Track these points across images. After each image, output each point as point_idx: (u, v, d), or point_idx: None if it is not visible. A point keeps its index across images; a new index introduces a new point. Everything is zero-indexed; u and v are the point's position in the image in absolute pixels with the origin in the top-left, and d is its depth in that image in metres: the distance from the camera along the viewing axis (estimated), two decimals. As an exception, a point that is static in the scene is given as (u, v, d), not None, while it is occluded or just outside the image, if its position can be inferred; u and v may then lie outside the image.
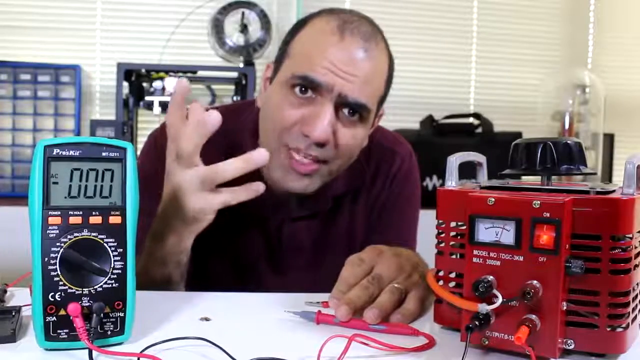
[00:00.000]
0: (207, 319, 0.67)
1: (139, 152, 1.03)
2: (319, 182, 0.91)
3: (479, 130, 2.18)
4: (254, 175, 0.86)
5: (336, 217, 1.02)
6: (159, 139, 0.97)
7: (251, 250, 0.99)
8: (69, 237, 0.53)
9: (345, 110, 0.87)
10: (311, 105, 0.86)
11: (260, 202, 0.91)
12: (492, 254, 0.55)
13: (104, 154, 0.55)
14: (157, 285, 0.82)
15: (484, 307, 0.54)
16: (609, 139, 2.38)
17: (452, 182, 0.65)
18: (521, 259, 0.53)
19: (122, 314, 0.56)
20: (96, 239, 0.54)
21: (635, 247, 0.54)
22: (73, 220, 0.54)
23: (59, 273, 0.53)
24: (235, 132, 0.98)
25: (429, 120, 2.17)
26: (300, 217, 0.99)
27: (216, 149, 0.96)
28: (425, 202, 1.11)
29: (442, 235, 0.62)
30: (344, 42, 0.85)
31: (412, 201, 1.10)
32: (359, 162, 0.98)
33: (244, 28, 2.01)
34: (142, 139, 2.04)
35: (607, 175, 2.36)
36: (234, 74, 2.04)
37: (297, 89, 0.86)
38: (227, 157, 0.93)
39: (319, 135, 0.84)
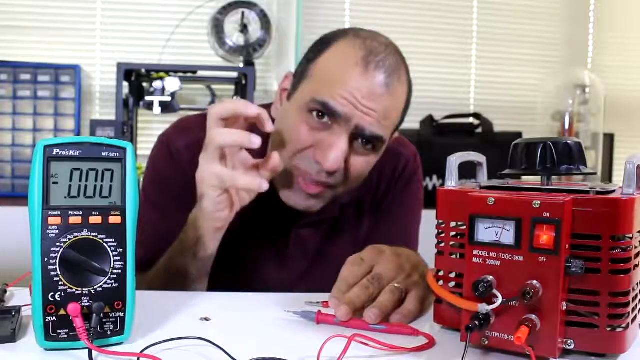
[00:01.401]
0: (207, 319, 0.67)
1: (139, 152, 1.03)
2: (323, 202, 0.92)
3: (479, 130, 2.18)
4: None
5: (343, 223, 1.03)
6: (172, 138, 0.99)
7: (258, 253, 0.99)
8: (68, 237, 0.53)
9: (360, 140, 0.87)
10: (327, 131, 0.85)
11: (268, 208, 0.93)
12: (492, 254, 0.55)
13: (104, 154, 0.55)
14: (174, 279, 0.84)
15: (484, 307, 0.54)
16: (609, 139, 2.38)
17: (452, 182, 0.65)
18: (521, 259, 0.53)
19: (122, 314, 0.56)
20: (96, 239, 0.54)
21: (635, 247, 0.54)
22: (73, 220, 0.54)
23: (59, 273, 0.53)
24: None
25: (429, 120, 2.17)
26: (308, 223, 1.00)
27: None
28: (425, 202, 1.11)
29: (442, 235, 0.62)
30: (367, 76, 0.84)
31: (416, 202, 1.10)
32: None
33: (244, 28, 2.01)
34: (142, 139, 2.05)
35: (607, 175, 2.36)
36: (234, 74, 2.04)
37: (314, 113, 0.86)
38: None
39: (330, 166, 0.84)
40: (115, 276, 0.55)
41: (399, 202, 1.07)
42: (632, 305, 0.54)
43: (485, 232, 0.55)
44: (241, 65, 2.03)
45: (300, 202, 0.90)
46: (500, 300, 0.53)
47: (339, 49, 0.87)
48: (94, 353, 0.52)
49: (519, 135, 2.15)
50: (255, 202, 0.85)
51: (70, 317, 0.52)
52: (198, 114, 1.07)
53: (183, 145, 0.96)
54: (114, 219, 0.55)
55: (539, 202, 0.52)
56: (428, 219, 0.70)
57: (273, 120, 0.82)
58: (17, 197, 1.89)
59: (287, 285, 0.96)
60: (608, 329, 0.53)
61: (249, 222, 0.90)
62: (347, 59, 0.85)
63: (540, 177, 0.61)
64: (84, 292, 0.54)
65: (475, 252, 0.56)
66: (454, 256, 0.62)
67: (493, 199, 0.55)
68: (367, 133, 0.85)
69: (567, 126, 2.24)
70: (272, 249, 1.00)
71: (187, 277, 0.85)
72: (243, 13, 2.00)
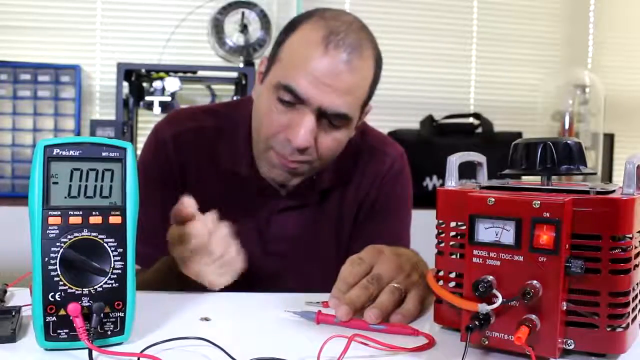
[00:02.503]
0: (207, 319, 0.67)
1: (139, 152, 1.05)
2: (302, 176, 0.97)
3: (479, 130, 2.18)
4: (248, 167, 0.97)
5: (324, 209, 1.05)
6: (160, 129, 1.04)
7: (242, 239, 1.00)
8: (69, 237, 0.53)
9: (327, 119, 0.91)
10: (295, 112, 0.90)
11: (251, 194, 0.98)
12: (492, 254, 0.55)
13: (104, 154, 0.55)
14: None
15: (484, 307, 0.54)
16: (609, 139, 2.38)
17: (452, 182, 0.65)
18: (521, 259, 0.53)
19: (122, 314, 0.56)
20: (96, 239, 0.54)
21: (635, 247, 0.54)
22: (73, 220, 0.54)
23: (59, 273, 0.53)
24: (235, 123, 1.03)
25: (429, 120, 2.17)
26: (289, 207, 1.03)
27: (215, 137, 0.99)
28: (426, 202, 1.11)
29: (442, 235, 0.62)
30: (326, 55, 0.87)
31: (404, 200, 1.11)
32: (346, 160, 1.03)
33: (244, 28, 2.01)
34: (142, 139, 2.04)
35: (607, 175, 2.36)
36: (234, 74, 2.04)
37: (282, 95, 0.90)
38: (224, 148, 1.01)
39: (300, 143, 0.89)
40: (115, 276, 0.55)
41: (386, 201, 1.08)
42: (632, 305, 0.54)
43: (485, 232, 0.55)
44: (241, 65, 2.03)
45: (279, 174, 0.96)
46: (500, 300, 0.53)
47: (304, 32, 0.91)
48: (94, 353, 0.52)
49: (519, 135, 2.15)
50: (237, 185, 0.92)
51: (70, 317, 0.52)
52: (190, 106, 1.11)
53: (169, 135, 1.02)
54: (114, 219, 0.55)
55: (539, 202, 0.52)
56: (428, 219, 0.70)
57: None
58: (17, 197, 1.89)
59: (270, 269, 0.99)
60: (608, 329, 0.53)
61: (230, 207, 0.90)
62: (309, 41, 0.89)
63: (540, 177, 0.61)
64: (84, 292, 0.54)
65: (475, 252, 0.56)
66: (454, 256, 0.62)
67: (493, 199, 0.55)
68: (330, 112, 0.89)
69: (567, 126, 2.24)
70: (255, 233, 1.02)
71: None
72: (243, 13, 2.01)
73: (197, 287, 0.82)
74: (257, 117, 0.96)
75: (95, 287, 0.54)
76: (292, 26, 0.94)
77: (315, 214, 1.04)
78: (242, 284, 0.80)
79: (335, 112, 0.89)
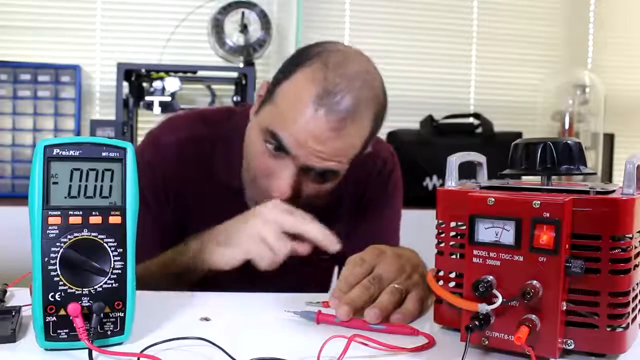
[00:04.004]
0: (207, 319, 0.67)
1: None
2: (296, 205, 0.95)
3: (479, 130, 2.17)
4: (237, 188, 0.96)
5: (321, 217, 1.03)
6: (159, 136, 1.03)
7: None
8: (69, 237, 0.53)
9: (312, 173, 0.88)
10: (279, 159, 0.88)
11: (245, 205, 0.96)
12: (492, 254, 0.55)
13: (104, 154, 0.55)
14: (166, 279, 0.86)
15: (484, 307, 0.54)
16: (609, 139, 2.37)
17: (452, 182, 0.65)
18: (521, 259, 0.53)
19: (122, 314, 0.56)
20: (96, 239, 0.54)
21: (635, 247, 0.54)
22: (73, 220, 0.54)
23: (59, 273, 0.53)
24: (230, 134, 1.01)
25: (429, 120, 2.17)
26: None
27: (211, 148, 0.99)
28: (426, 202, 1.12)
29: (442, 235, 0.62)
30: (316, 120, 0.83)
31: (395, 199, 1.12)
32: None
33: (244, 28, 2.00)
34: (142, 139, 2.04)
35: (607, 175, 2.36)
36: (234, 74, 2.04)
37: (269, 141, 0.88)
38: (219, 160, 1.00)
39: (278, 195, 0.87)
40: (115, 276, 0.55)
41: (377, 201, 1.08)
42: (632, 305, 0.54)
43: (485, 232, 0.55)
44: (241, 65, 2.02)
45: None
46: (500, 300, 0.53)
47: (300, 79, 0.86)
48: (94, 353, 0.52)
49: (519, 135, 2.15)
50: (230, 195, 0.92)
51: (70, 317, 0.52)
52: (185, 112, 1.10)
53: (170, 142, 1.00)
54: (114, 219, 0.55)
55: (539, 202, 0.52)
56: (428, 219, 0.70)
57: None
58: (17, 197, 1.89)
59: (268, 274, 0.97)
60: (608, 329, 0.53)
61: (226, 215, 0.90)
62: (302, 96, 0.84)
63: (540, 177, 0.61)
64: (84, 292, 0.54)
65: (475, 252, 0.56)
66: (454, 256, 0.62)
67: (493, 199, 0.55)
68: (316, 169, 0.87)
69: (567, 126, 2.24)
70: None
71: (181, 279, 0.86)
72: (243, 13, 2.00)
73: (191, 279, 0.82)
74: (247, 149, 0.94)
75: (95, 287, 0.54)
76: (295, 65, 0.88)
77: (314, 217, 1.04)
78: (243, 281, 0.80)
79: (323, 169, 0.87)
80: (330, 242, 0.79)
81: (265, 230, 0.79)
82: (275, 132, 0.86)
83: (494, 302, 0.53)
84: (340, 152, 0.86)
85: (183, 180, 0.99)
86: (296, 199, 0.89)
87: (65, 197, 0.54)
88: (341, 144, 0.85)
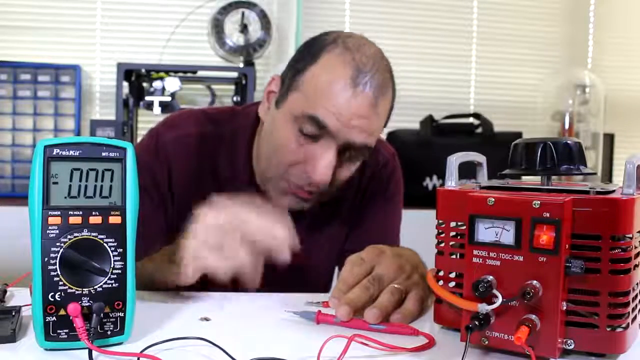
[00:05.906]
0: (207, 319, 0.67)
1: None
2: (312, 203, 0.95)
3: (479, 130, 2.17)
4: (247, 181, 0.95)
5: (322, 220, 1.04)
6: (160, 133, 1.01)
7: None
8: (69, 237, 0.53)
9: (349, 152, 0.90)
10: (316, 144, 0.88)
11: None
12: (492, 254, 0.55)
13: (104, 154, 0.55)
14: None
15: (483, 307, 0.54)
16: (609, 139, 2.37)
17: (452, 182, 0.65)
18: (521, 259, 0.53)
19: (122, 314, 0.56)
20: (96, 239, 0.54)
21: (635, 247, 0.54)
22: (73, 220, 0.54)
23: (59, 273, 0.53)
24: (234, 133, 1.00)
25: (429, 120, 2.17)
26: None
27: (215, 145, 0.99)
28: (426, 202, 1.12)
29: (442, 235, 0.62)
30: (356, 97, 0.86)
31: (396, 200, 1.12)
32: None
33: (244, 28, 2.00)
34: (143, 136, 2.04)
35: (607, 175, 2.36)
36: (234, 74, 2.04)
37: (305, 126, 0.87)
38: (223, 158, 0.98)
39: (319, 179, 0.87)
40: (115, 276, 0.55)
41: (378, 201, 1.08)
42: (632, 305, 0.54)
43: (485, 232, 0.55)
44: (241, 65, 2.02)
45: (292, 204, 0.93)
46: (500, 300, 0.53)
47: (328, 63, 0.88)
48: (94, 353, 0.52)
49: (519, 135, 2.15)
50: (234, 194, 0.86)
51: (70, 317, 0.52)
52: (186, 110, 1.10)
53: (169, 139, 0.99)
54: (114, 219, 0.55)
55: (539, 202, 0.52)
56: (428, 219, 0.70)
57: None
58: (17, 197, 1.89)
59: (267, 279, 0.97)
60: (608, 329, 0.53)
61: None
62: (336, 78, 0.86)
63: (540, 177, 0.61)
64: (84, 292, 0.54)
65: (475, 252, 0.56)
66: (454, 256, 0.62)
67: (493, 199, 0.55)
68: (357, 145, 0.88)
69: (567, 126, 2.24)
70: None
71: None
72: (243, 13, 2.00)
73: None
74: (271, 145, 0.93)
75: (95, 287, 0.54)
76: (314, 54, 0.90)
77: (313, 223, 1.03)
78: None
79: (362, 144, 0.89)
80: (279, 241, 0.69)
81: (203, 238, 0.69)
82: (313, 115, 0.86)
83: (494, 302, 0.53)
84: (376, 126, 0.90)
85: (185, 176, 0.99)
86: (330, 185, 0.90)
87: (65, 197, 0.54)
88: (377, 119, 0.90)
